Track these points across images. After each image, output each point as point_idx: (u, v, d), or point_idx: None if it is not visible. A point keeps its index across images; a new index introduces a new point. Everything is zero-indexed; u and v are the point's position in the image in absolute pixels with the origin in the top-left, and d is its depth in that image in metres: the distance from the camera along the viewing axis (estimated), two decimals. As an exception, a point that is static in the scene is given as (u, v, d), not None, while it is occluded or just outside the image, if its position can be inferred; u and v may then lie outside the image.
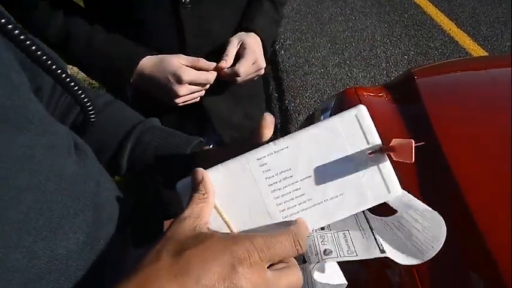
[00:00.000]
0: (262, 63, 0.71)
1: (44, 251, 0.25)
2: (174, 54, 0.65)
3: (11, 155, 0.24)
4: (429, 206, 0.79)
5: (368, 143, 0.33)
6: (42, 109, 0.30)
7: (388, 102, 1.01)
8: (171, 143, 0.43)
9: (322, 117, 1.01)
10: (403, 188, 0.34)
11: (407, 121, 0.92)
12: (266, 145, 0.34)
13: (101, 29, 0.65)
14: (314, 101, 2.29)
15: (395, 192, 0.34)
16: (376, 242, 0.34)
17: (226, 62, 0.66)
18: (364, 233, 0.35)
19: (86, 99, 0.34)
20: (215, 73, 0.67)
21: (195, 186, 0.31)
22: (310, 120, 1.19)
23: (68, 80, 0.31)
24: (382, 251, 0.33)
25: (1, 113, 0.25)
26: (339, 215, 0.33)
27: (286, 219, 0.33)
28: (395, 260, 0.34)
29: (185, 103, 0.67)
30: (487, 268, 0.63)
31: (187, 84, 0.64)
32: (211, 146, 0.45)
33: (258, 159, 0.33)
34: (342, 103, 1.01)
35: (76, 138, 0.34)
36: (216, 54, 0.68)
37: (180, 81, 0.63)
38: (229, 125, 0.79)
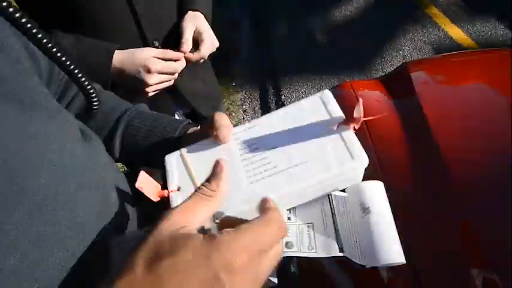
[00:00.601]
0: (217, 42, 0.78)
1: (64, 218, 0.26)
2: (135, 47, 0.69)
3: (28, 133, 0.25)
4: (423, 201, 0.79)
5: (331, 117, 0.37)
6: (50, 94, 0.31)
7: (383, 95, 1.02)
8: (161, 125, 0.44)
9: (318, 110, 1.02)
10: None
11: (402, 113, 0.93)
12: (242, 124, 0.39)
13: (60, 32, 0.66)
14: (310, 97, 2.31)
15: (359, 159, 0.35)
16: (337, 240, 0.34)
17: (188, 48, 0.72)
18: (326, 229, 0.36)
19: (89, 88, 0.35)
20: (183, 62, 0.72)
21: (212, 176, 0.28)
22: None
23: (72, 67, 0.32)
24: (341, 250, 0.34)
25: (17, 95, 0.26)
26: (303, 182, 0.34)
27: (252, 184, 0.34)
28: (354, 260, 0.34)
29: (156, 92, 0.71)
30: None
31: (156, 74, 0.67)
32: (199, 127, 0.46)
33: (233, 134, 0.38)
34: (337, 96, 1.02)
35: (81, 125, 0.35)
36: (169, 39, 0.74)
37: (149, 71, 0.66)
38: (195, 94, 0.88)
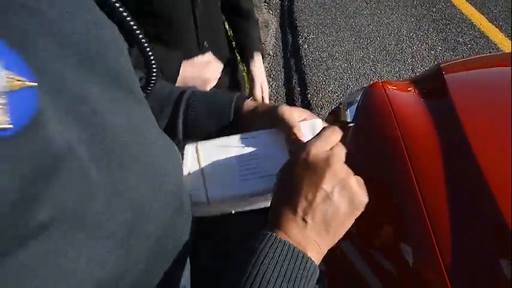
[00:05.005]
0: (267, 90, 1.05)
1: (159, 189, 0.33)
2: (191, 44, 0.85)
3: (134, 117, 0.31)
4: (455, 198, 0.78)
5: None
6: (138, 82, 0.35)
7: (416, 97, 1.00)
8: (218, 98, 0.50)
9: (348, 110, 1.01)
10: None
11: (435, 116, 0.91)
12: (251, 132, 0.47)
13: None
14: (337, 96, 2.28)
15: None
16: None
17: (259, 96, 1.00)
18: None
19: (153, 61, 0.39)
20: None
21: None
22: (335, 114, 1.20)
23: (143, 40, 0.36)
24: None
25: (128, 85, 0.31)
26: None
27: (243, 181, 0.43)
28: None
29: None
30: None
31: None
32: (250, 99, 0.53)
33: (242, 139, 0.46)
34: (368, 97, 1.01)
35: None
36: (214, 40, 0.90)
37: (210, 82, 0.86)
38: None
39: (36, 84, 0.20)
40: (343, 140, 0.39)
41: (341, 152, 0.37)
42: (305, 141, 0.41)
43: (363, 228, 0.80)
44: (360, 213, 0.36)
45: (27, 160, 0.19)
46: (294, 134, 0.44)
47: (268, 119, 0.47)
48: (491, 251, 0.68)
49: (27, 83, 0.19)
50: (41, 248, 0.20)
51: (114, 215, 0.25)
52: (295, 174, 0.35)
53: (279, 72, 2.55)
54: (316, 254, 0.33)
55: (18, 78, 0.19)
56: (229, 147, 0.45)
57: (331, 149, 0.36)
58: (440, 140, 0.83)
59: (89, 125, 0.24)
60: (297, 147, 0.39)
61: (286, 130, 0.45)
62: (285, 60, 2.67)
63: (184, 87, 0.53)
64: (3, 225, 0.18)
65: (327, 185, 0.34)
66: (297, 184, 0.35)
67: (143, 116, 0.33)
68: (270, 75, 2.53)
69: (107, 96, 0.27)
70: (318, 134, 0.38)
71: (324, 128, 0.39)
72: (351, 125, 0.93)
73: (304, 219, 0.33)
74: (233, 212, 0.47)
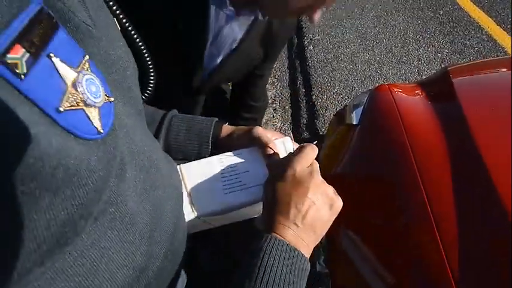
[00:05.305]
0: None
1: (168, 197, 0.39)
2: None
3: (145, 133, 0.37)
4: (464, 204, 0.77)
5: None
6: None
7: (423, 100, 0.99)
8: (197, 122, 0.55)
9: (354, 112, 1.00)
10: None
11: (443, 120, 0.90)
12: (234, 151, 0.51)
13: None
14: (342, 97, 2.27)
15: None
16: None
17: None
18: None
19: (149, 61, 0.42)
20: None
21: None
22: (340, 116, 1.19)
23: (137, 39, 0.40)
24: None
25: (139, 106, 0.36)
26: (258, 197, 0.48)
27: (227, 194, 0.48)
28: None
29: None
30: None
31: None
32: (227, 124, 0.56)
33: (221, 157, 0.51)
34: (374, 100, 1.00)
35: None
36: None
37: None
38: None
39: (113, 99, 0.26)
40: (317, 157, 0.45)
41: (318, 166, 0.44)
42: (280, 155, 0.50)
43: (368, 231, 0.79)
44: (336, 215, 0.44)
45: (110, 156, 0.24)
46: (270, 149, 0.50)
47: (245, 141, 0.52)
48: (498, 257, 0.67)
49: (110, 98, 0.25)
50: (93, 234, 0.25)
51: (142, 209, 0.30)
52: (285, 188, 0.42)
53: (283, 73, 2.54)
54: (306, 250, 0.41)
55: (106, 94, 0.25)
56: (211, 166, 0.49)
57: (311, 164, 0.43)
58: (447, 143, 0.82)
59: (123, 133, 0.29)
60: (277, 163, 0.46)
61: (263, 147, 0.50)
62: (290, 61, 2.66)
63: (165, 111, 0.56)
64: (88, 205, 0.23)
65: (311, 194, 0.41)
66: (287, 196, 0.41)
67: (149, 133, 0.39)
68: (275, 76, 2.52)
69: (127, 113, 0.32)
70: (299, 152, 0.44)
71: (303, 146, 0.45)
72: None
73: (295, 224, 0.40)
74: (222, 224, 0.51)
